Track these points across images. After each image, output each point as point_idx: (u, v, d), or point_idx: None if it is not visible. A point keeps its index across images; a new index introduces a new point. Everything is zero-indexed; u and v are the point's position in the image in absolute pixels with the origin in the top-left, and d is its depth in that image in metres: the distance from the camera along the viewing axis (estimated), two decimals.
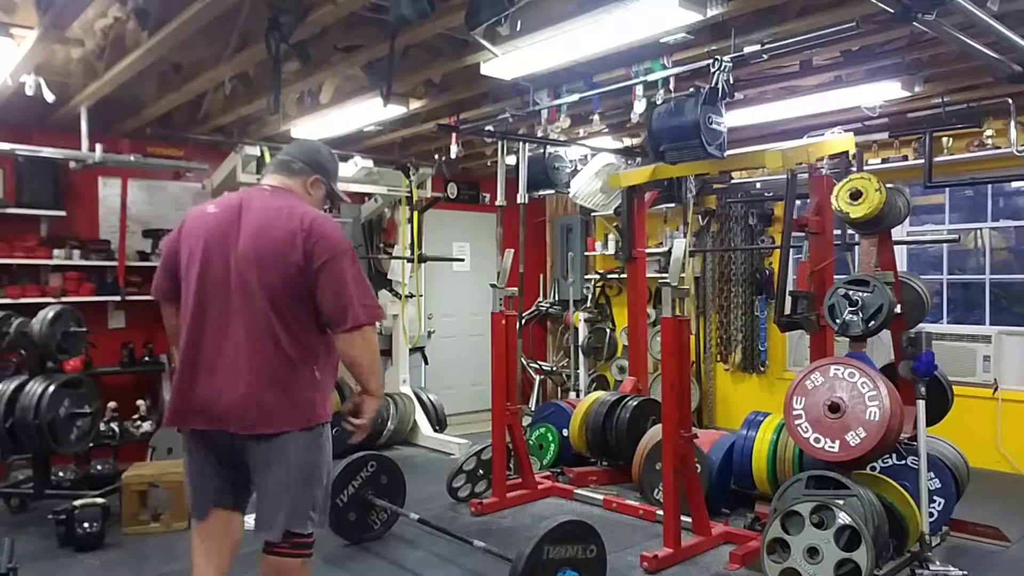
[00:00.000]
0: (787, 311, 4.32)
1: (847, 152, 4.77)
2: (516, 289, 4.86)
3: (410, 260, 6.35)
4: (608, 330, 7.86)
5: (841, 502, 3.22)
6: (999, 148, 5.35)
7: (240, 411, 2.35)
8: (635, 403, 5.09)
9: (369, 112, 4.99)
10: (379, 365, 2.52)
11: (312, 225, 2.37)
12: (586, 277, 8.13)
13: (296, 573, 2.47)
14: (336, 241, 2.39)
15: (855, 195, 3.79)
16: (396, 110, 4.92)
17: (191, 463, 2.57)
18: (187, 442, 2.55)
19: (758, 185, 6.80)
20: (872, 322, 3.66)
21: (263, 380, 2.35)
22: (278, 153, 2.73)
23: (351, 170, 5.99)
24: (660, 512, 4.07)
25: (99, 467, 4.84)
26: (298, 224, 2.37)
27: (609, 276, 7.85)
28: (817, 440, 3.48)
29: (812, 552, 3.17)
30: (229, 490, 2.54)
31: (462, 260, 7.89)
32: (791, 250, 5.09)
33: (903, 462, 3.77)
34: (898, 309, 3.73)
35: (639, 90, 4.35)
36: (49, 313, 4.44)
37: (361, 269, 2.45)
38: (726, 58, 3.71)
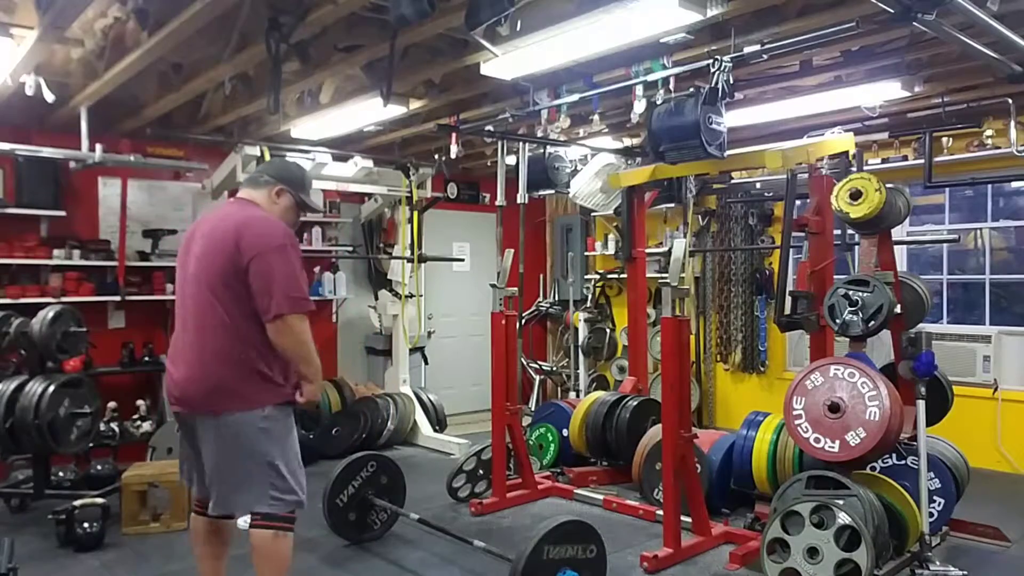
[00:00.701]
0: (787, 311, 4.32)
1: (847, 152, 4.77)
2: (516, 289, 4.86)
3: (410, 260, 6.35)
4: (608, 330, 7.87)
5: (841, 502, 3.22)
6: (999, 148, 5.35)
7: (191, 393, 2.70)
8: (635, 403, 5.09)
9: (369, 112, 4.99)
10: (309, 353, 2.71)
11: (242, 225, 2.67)
12: (586, 277, 8.13)
13: (264, 543, 2.68)
14: (264, 239, 2.65)
15: (855, 195, 3.79)
16: (396, 110, 4.92)
17: (179, 444, 2.97)
18: (178, 425, 2.91)
19: (758, 185, 6.80)
20: (872, 322, 3.66)
21: (209, 366, 2.67)
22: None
23: (351, 170, 5.99)
24: (660, 512, 4.07)
25: (99, 467, 4.84)
26: (232, 225, 2.69)
27: (609, 276, 7.86)
28: (817, 440, 3.48)
29: (812, 552, 3.17)
30: (196, 472, 2.85)
31: (462, 260, 7.89)
32: (791, 250, 5.10)
33: (903, 462, 3.77)
34: (898, 309, 3.73)
35: (639, 90, 4.35)
36: (49, 313, 4.45)
37: (296, 262, 2.68)
38: (726, 58, 3.71)
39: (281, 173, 2.92)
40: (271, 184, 2.88)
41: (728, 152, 4.23)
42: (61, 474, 4.73)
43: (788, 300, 4.35)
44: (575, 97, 4.59)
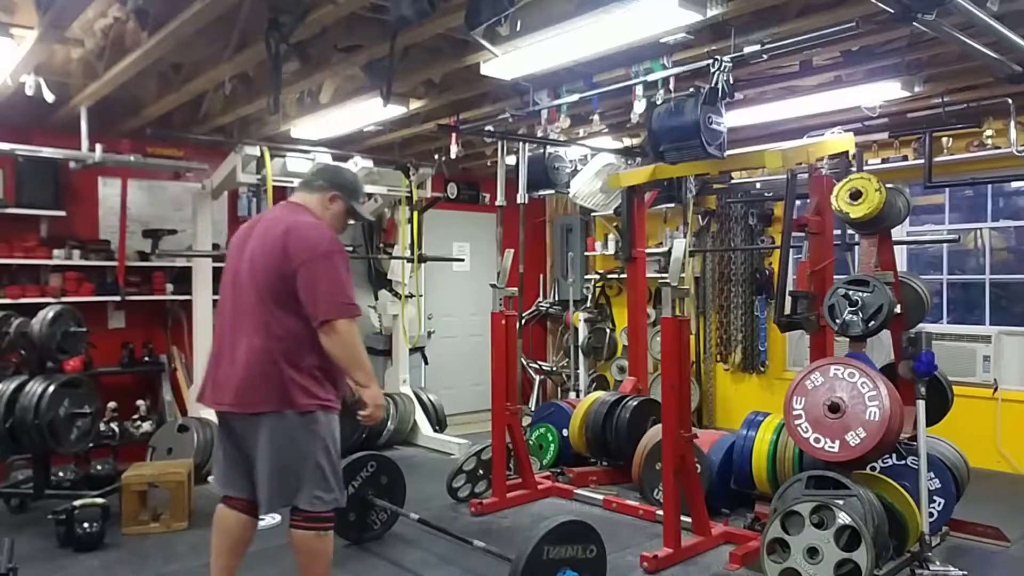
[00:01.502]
0: (787, 311, 4.32)
1: (847, 152, 4.77)
2: (516, 289, 4.86)
3: (410, 260, 6.34)
4: (608, 330, 7.87)
5: (841, 502, 3.22)
6: (999, 148, 5.35)
7: (235, 393, 2.72)
8: (635, 403, 5.09)
9: (369, 112, 4.99)
10: (358, 357, 2.76)
11: (291, 232, 2.72)
12: (586, 277, 8.13)
13: (309, 543, 2.76)
14: (312, 245, 2.70)
15: (855, 195, 3.79)
16: (396, 110, 4.92)
17: (217, 441, 3.07)
18: (219, 424, 2.95)
19: (758, 185, 6.80)
20: (872, 322, 3.66)
21: (254, 367, 2.69)
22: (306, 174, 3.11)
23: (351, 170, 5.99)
24: (660, 512, 4.07)
25: (99, 467, 4.84)
26: (282, 231, 2.73)
27: (609, 276, 7.86)
28: (817, 440, 3.48)
29: (812, 552, 3.17)
30: (238, 473, 2.86)
31: (462, 260, 7.89)
32: (791, 250, 5.10)
33: (903, 462, 3.77)
34: (898, 309, 3.73)
35: (639, 90, 4.35)
36: (49, 313, 4.44)
37: (342, 269, 2.72)
38: (726, 58, 3.71)
39: (336, 179, 2.97)
40: (325, 190, 2.92)
41: (728, 152, 4.22)
42: (61, 474, 4.72)
43: (788, 300, 4.35)
44: (575, 97, 4.59)
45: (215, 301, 3.19)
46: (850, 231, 4.99)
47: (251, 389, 2.69)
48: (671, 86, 4.25)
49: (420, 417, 6.59)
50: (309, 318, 2.68)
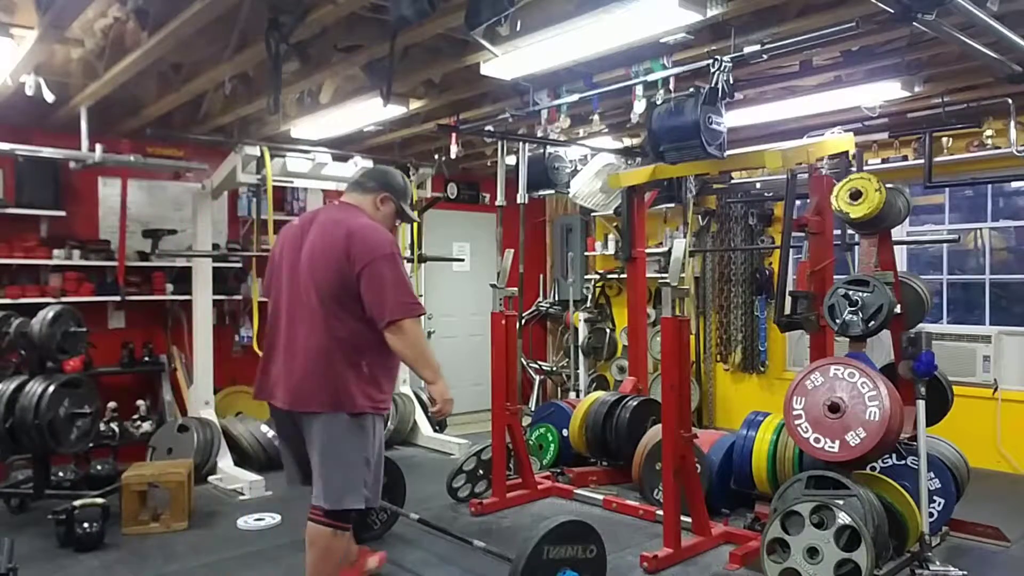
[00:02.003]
0: (787, 311, 4.32)
1: (847, 152, 4.77)
2: (516, 289, 4.86)
3: (410, 260, 6.34)
4: (608, 330, 7.86)
5: (841, 502, 3.22)
6: (999, 148, 5.35)
7: (292, 391, 2.79)
8: (635, 403, 5.09)
9: (369, 112, 4.99)
10: (424, 355, 2.84)
11: (354, 234, 2.76)
12: (586, 277, 8.13)
13: (323, 540, 2.80)
14: (374, 247, 2.74)
15: (855, 195, 3.80)
16: (396, 110, 4.92)
17: (276, 434, 3.21)
18: (273, 417, 3.06)
19: (758, 185, 6.80)
20: (872, 322, 3.66)
21: (310, 366, 2.75)
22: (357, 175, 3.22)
23: (351, 170, 5.98)
24: (660, 512, 4.07)
25: (99, 467, 4.84)
26: (343, 233, 2.77)
27: (609, 276, 7.86)
28: (817, 440, 3.48)
29: (812, 552, 3.17)
30: (295, 463, 2.98)
31: (462, 260, 7.89)
32: (791, 250, 5.10)
33: (903, 462, 3.77)
34: (898, 309, 3.73)
35: (639, 90, 4.35)
36: (49, 313, 4.44)
37: (401, 270, 2.79)
38: (726, 58, 3.71)
39: (387, 181, 3.03)
40: (377, 191, 2.99)
41: (728, 152, 4.22)
42: (61, 474, 4.72)
43: (788, 300, 4.35)
44: (575, 97, 4.59)
45: (264, 302, 3.24)
46: (850, 231, 4.99)
47: (309, 388, 2.75)
48: (671, 86, 4.25)
49: (420, 417, 6.59)
50: (370, 319, 2.74)
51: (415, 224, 6.35)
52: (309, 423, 2.79)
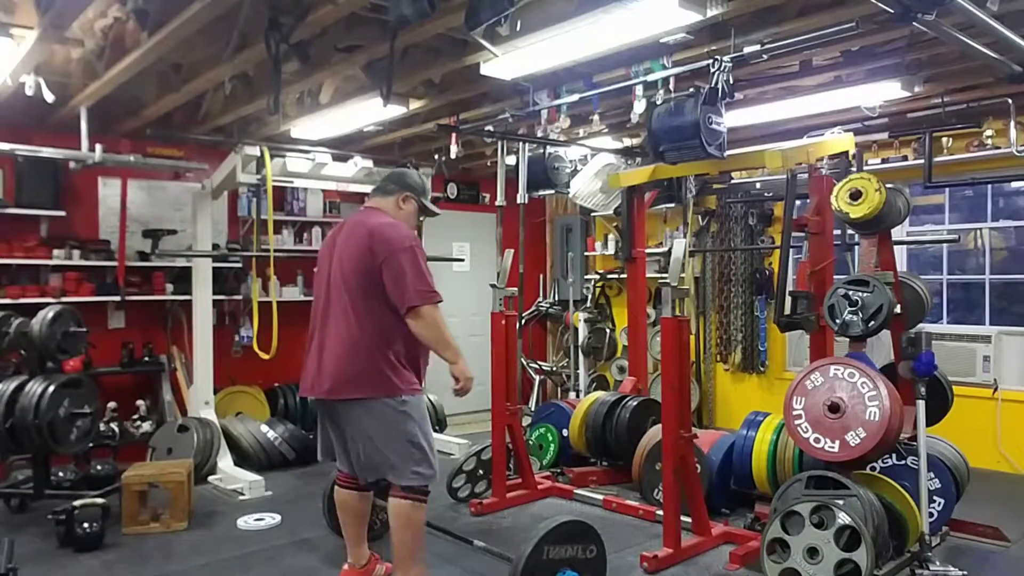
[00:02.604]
0: (787, 311, 4.32)
1: (847, 152, 4.77)
2: (516, 289, 4.86)
3: None
4: (608, 330, 7.86)
5: (841, 502, 3.22)
6: (999, 148, 5.35)
7: (332, 381, 3.07)
8: (635, 403, 5.09)
9: (369, 112, 4.99)
10: (443, 337, 3.13)
11: (374, 232, 3.07)
12: (586, 277, 8.13)
13: (407, 512, 3.10)
14: (393, 241, 3.04)
15: (855, 195, 3.80)
16: (396, 110, 4.92)
17: (319, 426, 3.53)
18: (317, 409, 3.41)
19: (758, 185, 6.80)
20: (872, 322, 3.66)
21: (350, 355, 3.04)
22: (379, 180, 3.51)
23: (351, 170, 5.98)
24: (660, 512, 4.07)
25: (99, 467, 4.84)
26: (365, 232, 3.10)
27: (609, 276, 7.85)
28: (817, 440, 3.48)
29: (812, 552, 3.17)
30: (340, 451, 3.28)
31: (462, 260, 7.88)
32: (791, 250, 5.09)
33: (903, 462, 3.77)
34: (898, 309, 3.73)
35: (639, 90, 4.35)
36: (49, 313, 4.45)
37: (422, 261, 3.08)
38: (726, 58, 3.71)
39: (405, 181, 3.34)
40: (398, 192, 3.30)
41: (728, 152, 4.23)
42: (61, 474, 4.72)
43: (788, 300, 4.35)
44: (575, 97, 4.59)
45: (309, 303, 3.49)
46: (850, 231, 4.99)
47: (348, 377, 3.03)
48: (671, 86, 4.26)
49: None
50: (395, 308, 3.02)
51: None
52: (351, 410, 3.07)
